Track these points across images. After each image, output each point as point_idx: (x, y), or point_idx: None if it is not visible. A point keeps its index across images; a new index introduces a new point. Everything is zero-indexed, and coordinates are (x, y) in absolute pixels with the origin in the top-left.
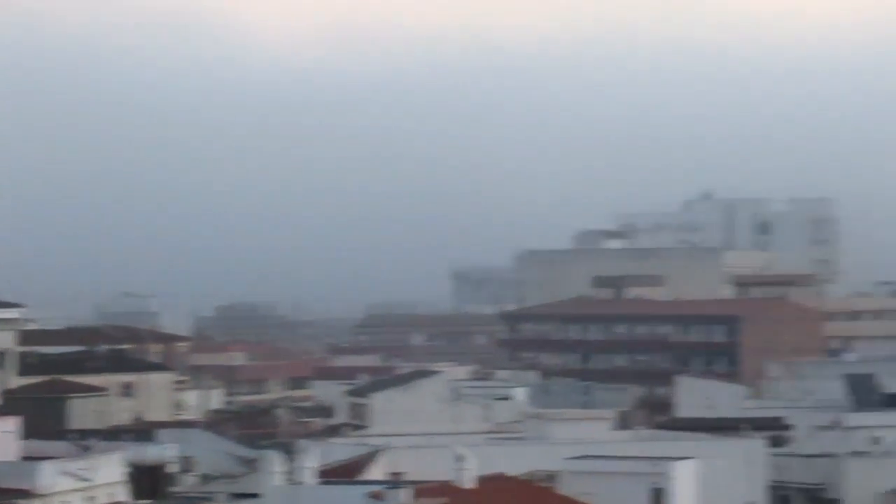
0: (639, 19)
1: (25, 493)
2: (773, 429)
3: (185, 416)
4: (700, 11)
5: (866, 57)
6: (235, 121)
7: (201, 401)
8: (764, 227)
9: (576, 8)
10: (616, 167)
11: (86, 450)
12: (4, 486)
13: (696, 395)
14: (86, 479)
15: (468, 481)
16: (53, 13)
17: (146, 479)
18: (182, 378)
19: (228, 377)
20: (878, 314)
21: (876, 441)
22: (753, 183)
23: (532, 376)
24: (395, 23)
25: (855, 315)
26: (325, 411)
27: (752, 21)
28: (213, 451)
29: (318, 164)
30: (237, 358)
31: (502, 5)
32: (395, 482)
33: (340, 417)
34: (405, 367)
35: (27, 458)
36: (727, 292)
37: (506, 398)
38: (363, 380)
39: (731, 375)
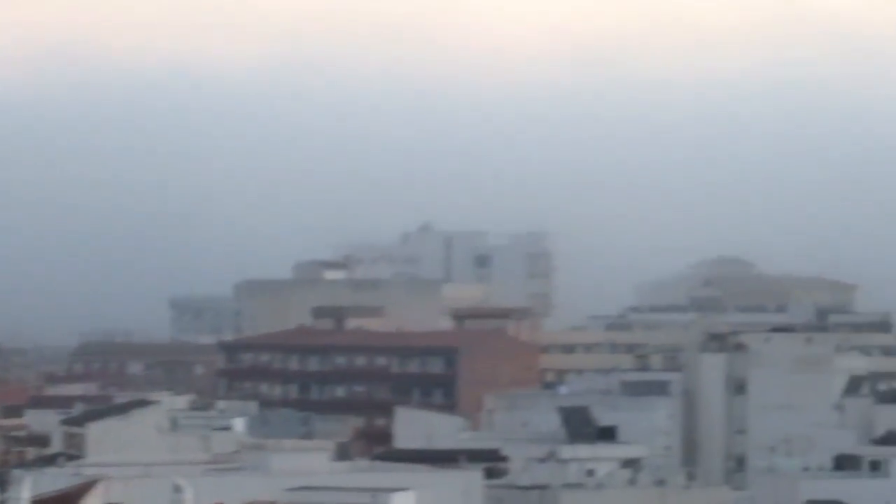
0: (360, 49)
1: None
2: (490, 460)
3: None
4: (424, 44)
5: (576, 94)
6: None
7: None
8: (482, 261)
9: (285, 39)
10: (336, 198)
11: None
12: None
13: (414, 426)
14: None
15: None
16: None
17: None
18: None
19: None
20: (591, 347)
21: (589, 473)
22: (472, 217)
23: (251, 407)
24: (101, 45)
25: (569, 348)
26: (40, 441)
27: (471, 55)
28: None
29: (33, 185)
30: None
31: (218, 32)
32: None
33: (55, 447)
34: (122, 397)
35: None
36: (446, 324)
37: (225, 428)
38: (79, 409)
39: (450, 407)
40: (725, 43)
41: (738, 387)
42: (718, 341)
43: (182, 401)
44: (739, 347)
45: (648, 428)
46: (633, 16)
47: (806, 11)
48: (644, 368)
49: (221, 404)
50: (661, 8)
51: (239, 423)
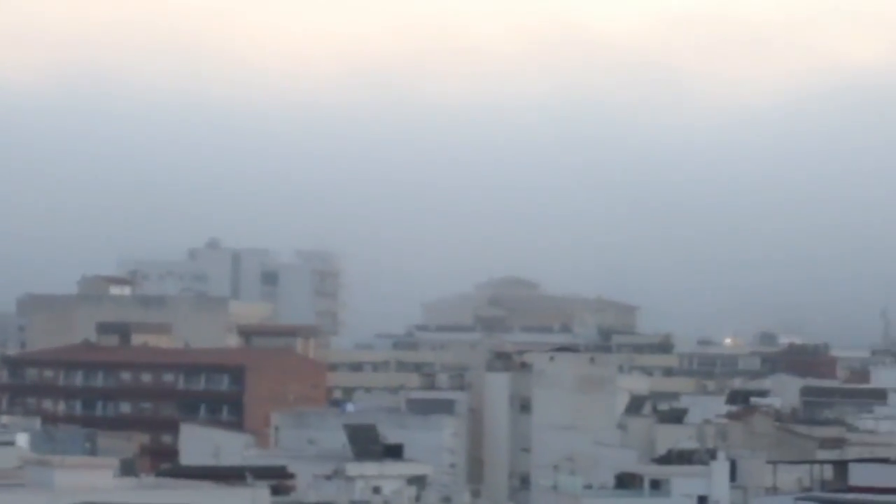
0: (149, 64)
1: None
2: (277, 477)
3: None
4: (216, 61)
5: (366, 116)
6: None
7: None
8: (269, 278)
9: (73, 52)
10: (122, 214)
11: None
12: None
13: (201, 443)
14: None
15: None
16: None
17: None
18: None
19: None
20: (378, 366)
21: (376, 490)
22: (260, 234)
23: (35, 423)
24: None
25: (357, 366)
26: None
27: (261, 75)
28: None
29: None
30: None
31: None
32: None
33: None
34: None
35: None
36: (233, 342)
37: (8, 444)
38: None
39: (237, 424)
40: (511, 69)
41: (523, 405)
42: (504, 360)
43: None
44: (524, 367)
45: (434, 446)
46: (422, 39)
47: (590, 38)
48: (431, 387)
49: (4, 419)
50: (452, 33)
51: (22, 439)
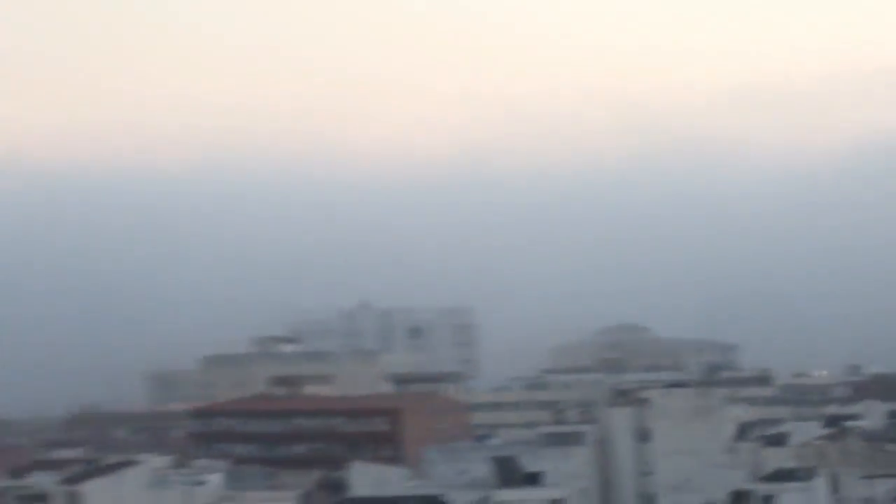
0: (295, 152)
1: None
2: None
3: None
4: (350, 145)
5: (482, 185)
6: None
7: None
8: (415, 332)
9: (222, 141)
10: (286, 280)
11: None
12: None
13: (367, 477)
14: None
15: None
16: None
17: None
18: None
19: None
20: (514, 405)
21: None
22: (405, 294)
23: (224, 464)
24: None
25: (496, 406)
26: (41, 498)
27: (383, 154)
28: None
29: (11, 291)
30: None
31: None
32: None
33: None
34: (112, 458)
35: None
36: (387, 388)
37: (202, 483)
38: (75, 470)
39: (396, 460)
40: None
41: (643, 435)
42: (624, 396)
43: (163, 461)
44: (643, 402)
45: (568, 473)
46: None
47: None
48: (561, 422)
49: (198, 463)
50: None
51: (214, 479)
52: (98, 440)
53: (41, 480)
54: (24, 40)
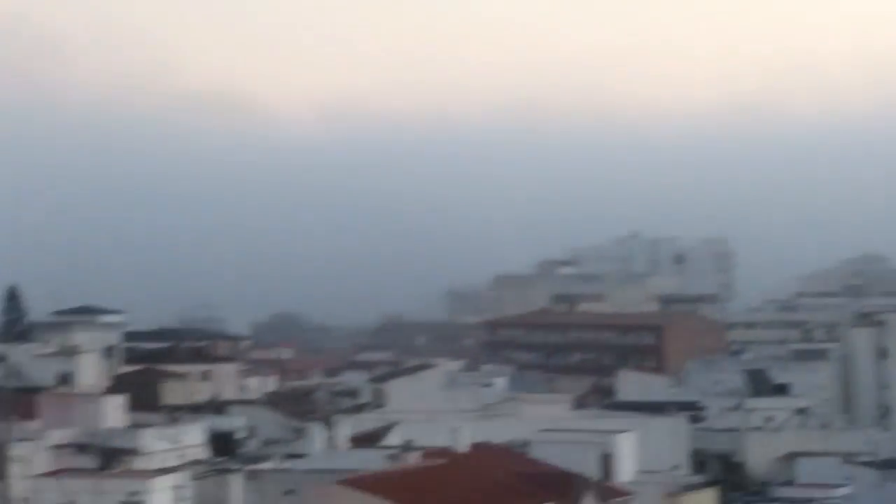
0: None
1: (132, 452)
2: (692, 410)
3: (248, 397)
4: (630, 97)
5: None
6: (271, 181)
7: (260, 385)
8: (679, 259)
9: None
10: (568, 209)
11: (175, 420)
12: (115, 446)
13: (633, 384)
14: (176, 442)
15: (462, 447)
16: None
17: (221, 442)
18: (245, 368)
19: (280, 368)
20: (767, 324)
21: (769, 419)
22: (670, 224)
23: (509, 370)
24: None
25: (750, 325)
26: (353, 394)
27: (652, 108)
28: (271, 423)
29: (339, 211)
30: (286, 353)
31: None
32: (407, 447)
33: (365, 399)
34: (412, 362)
35: (132, 426)
36: (653, 308)
37: (489, 385)
38: (382, 371)
39: (659, 370)
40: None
41: (881, 353)
42: (866, 319)
43: (457, 365)
44: (882, 323)
45: (813, 385)
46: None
47: None
48: (808, 340)
49: (486, 367)
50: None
51: (500, 382)
52: (401, 346)
53: (352, 378)
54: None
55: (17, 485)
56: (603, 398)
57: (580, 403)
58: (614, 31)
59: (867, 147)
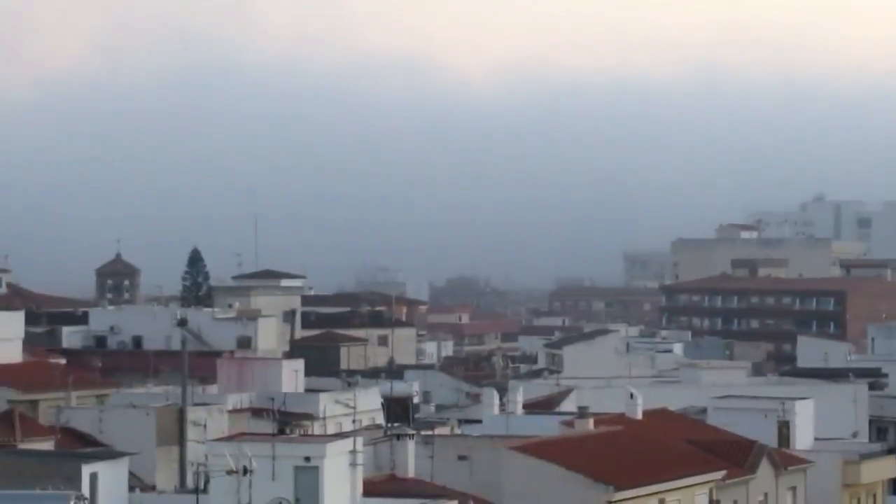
0: (759, 60)
1: (309, 417)
2: (873, 376)
3: (425, 361)
4: (814, 52)
5: None
6: (449, 142)
7: (437, 350)
8: (864, 223)
9: (704, 55)
10: (750, 174)
11: (352, 385)
12: (293, 410)
13: (812, 351)
14: (352, 407)
15: (638, 414)
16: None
17: (397, 407)
18: (422, 332)
19: (456, 332)
20: None
21: None
22: (857, 188)
23: (686, 335)
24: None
25: None
26: (529, 359)
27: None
28: (446, 388)
29: (516, 173)
30: (463, 318)
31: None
32: (581, 413)
33: (541, 364)
34: (589, 327)
35: (309, 391)
36: (836, 272)
37: (666, 351)
38: (557, 336)
39: (839, 336)
40: None
41: None
42: None
43: (634, 330)
44: None
45: None
46: None
47: None
48: None
49: (663, 333)
50: None
51: (677, 348)
52: (578, 311)
53: (528, 343)
54: None
55: (195, 449)
56: (782, 365)
57: (758, 370)
58: None
59: None
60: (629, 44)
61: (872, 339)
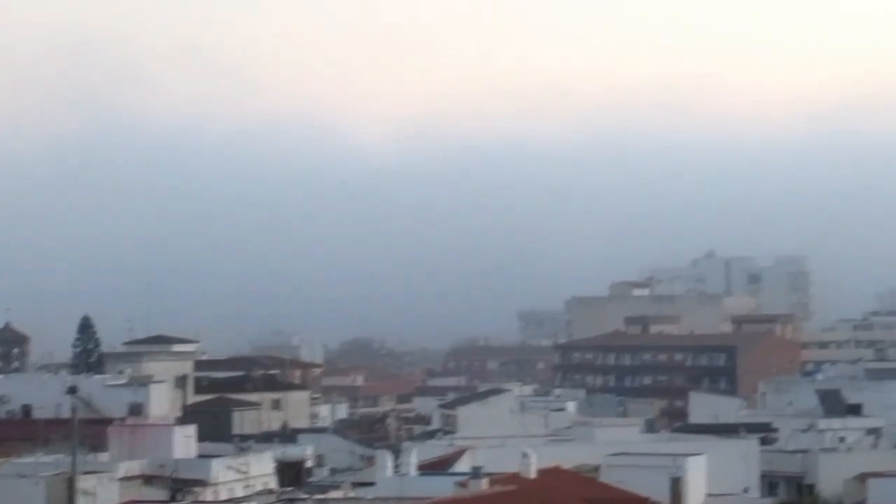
0: (649, 122)
1: (201, 482)
2: (764, 431)
3: (318, 424)
4: (696, 114)
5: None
6: (344, 204)
7: (331, 412)
8: (754, 279)
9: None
10: (640, 232)
11: (245, 450)
12: (185, 476)
13: (705, 406)
14: (245, 472)
15: (532, 473)
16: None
17: (290, 472)
18: (316, 395)
19: (351, 395)
20: (841, 344)
21: (841, 440)
22: (745, 244)
23: (580, 393)
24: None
25: (824, 344)
26: (424, 420)
27: (727, 120)
28: (340, 451)
29: (412, 234)
30: (357, 380)
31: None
32: (476, 474)
33: (435, 425)
34: (484, 386)
35: (202, 456)
36: (727, 328)
37: (560, 409)
38: (452, 396)
39: (731, 391)
40: None
41: None
42: None
43: (528, 389)
44: None
45: (887, 404)
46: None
47: None
48: (883, 359)
49: (557, 391)
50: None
51: (571, 406)
52: (473, 370)
53: (423, 404)
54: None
55: None
56: (675, 421)
57: (651, 426)
58: (695, 43)
59: None
60: (525, 105)
61: (763, 394)
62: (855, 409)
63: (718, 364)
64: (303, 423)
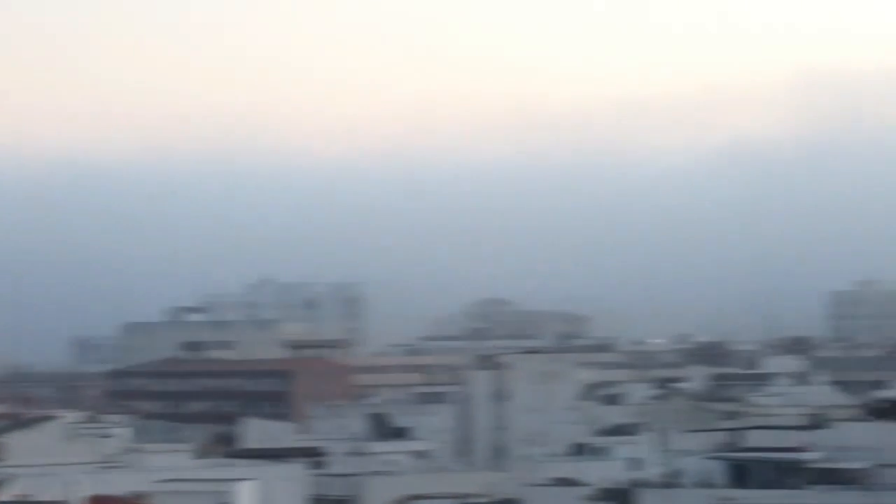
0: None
1: None
2: (316, 455)
3: None
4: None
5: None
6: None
7: None
8: (310, 304)
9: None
10: (196, 256)
11: None
12: None
13: (258, 431)
14: None
15: (78, 500)
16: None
17: None
18: None
19: None
20: (392, 368)
21: (390, 463)
22: (302, 269)
23: (134, 419)
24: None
25: (378, 369)
26: None
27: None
28: None
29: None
30: None
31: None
32: (21, 502)
33: None
34: (34, 413)
35: None
36: (282, 353)
37: (112, 436)
38: (1, 423)
39: (286, 416)
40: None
41: (502, 395)
42: (487, 361)
43: (80, 416)
44: (502, 365)
45: (434, 427)
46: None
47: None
48: (432, 383)
49: (111, 418)
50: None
51: (124, 432)
52: (24, 398)
53: None
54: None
55: None
56: (228, 447)
57: (203, 452)
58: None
59: (503, 192)
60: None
61: (315, 419)
62: (401, 433)
63: (273, 389)
64: None
